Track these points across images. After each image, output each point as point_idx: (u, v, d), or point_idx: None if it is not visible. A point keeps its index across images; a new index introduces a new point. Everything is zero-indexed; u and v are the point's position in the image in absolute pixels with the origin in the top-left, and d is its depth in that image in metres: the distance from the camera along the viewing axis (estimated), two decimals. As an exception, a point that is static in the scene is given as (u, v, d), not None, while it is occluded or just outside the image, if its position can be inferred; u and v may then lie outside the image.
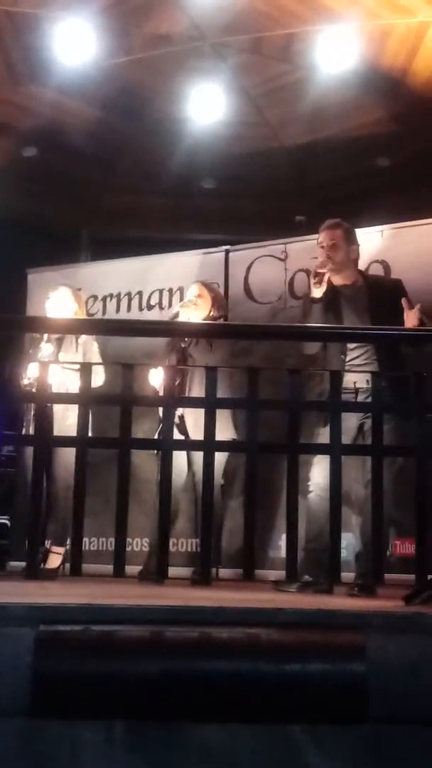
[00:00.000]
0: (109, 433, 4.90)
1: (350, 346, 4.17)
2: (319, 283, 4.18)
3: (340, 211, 4.59)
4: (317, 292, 4.20)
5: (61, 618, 2.31)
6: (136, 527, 4.54)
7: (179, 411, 4.54)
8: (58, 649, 2.24)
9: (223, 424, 4.20)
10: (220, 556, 5.50)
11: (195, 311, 4.85)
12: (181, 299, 5.45)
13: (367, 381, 3.99)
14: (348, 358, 4.18)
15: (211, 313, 4.93)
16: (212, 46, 5.96)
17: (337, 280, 4.31)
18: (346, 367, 4.07)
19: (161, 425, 4.62)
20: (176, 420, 4.62)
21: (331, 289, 4.27)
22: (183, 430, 4.52)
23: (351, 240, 4.36)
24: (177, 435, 4.58)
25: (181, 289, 5.96)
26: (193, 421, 4.39)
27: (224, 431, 4.24)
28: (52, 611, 2.36)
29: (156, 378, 4.71)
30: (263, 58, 6.08)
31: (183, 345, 4.77)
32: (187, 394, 4.58)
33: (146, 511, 4.76)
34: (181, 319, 4.80)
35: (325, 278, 4.19)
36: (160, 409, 4.63)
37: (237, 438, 4.49)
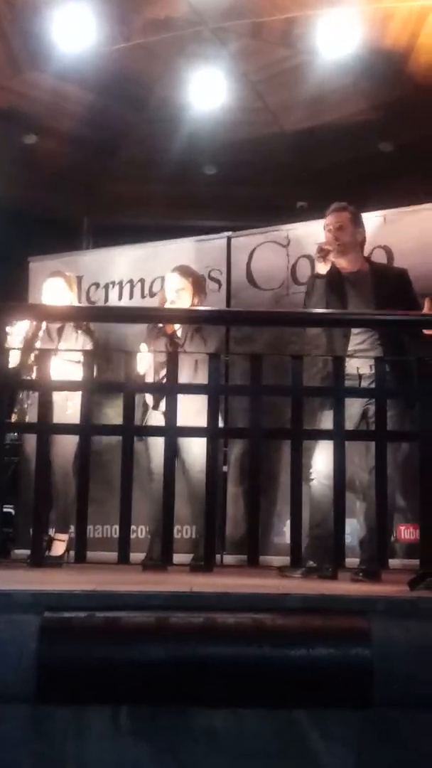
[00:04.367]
0: (100, 421, 4.91)
1: (354, 331, 4.17)
2: (323, 258, 4.19)
3: (341, 196, 4.56)
4: (321, 269, 4.21)
5: (66, 605, 2.32)
6: (140, 514, 4.54)
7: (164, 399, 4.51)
8: (63, 636, 2.25)
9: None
10: (224, 542, 5.50)
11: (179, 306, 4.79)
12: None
13: (371, 367, 3.99)
14: (351, 344, 4.17)
15: (194, 302, 4.85)
16: (212, 31, 5.91)
17: (343, 266, 4.31)
18: (349, 353, 4.07)
19: (148, 412, 4.63)
20: (161, 409, 4.62)
21: (337, 273, 4.26)
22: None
23: (357, 223, 4.37)
24: (161, 422, 4.56)
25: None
26: (180, 408, 4.26)
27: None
28: (57, 598, 2.36)
29: (143, 364, 4.64)
30: (263, 43, 6.04)
31: (176, 340, 4.73)
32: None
33: (146, 497, 4.76)
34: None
35: (331, 255, 4.20)
36: (147, 397, 4.62)
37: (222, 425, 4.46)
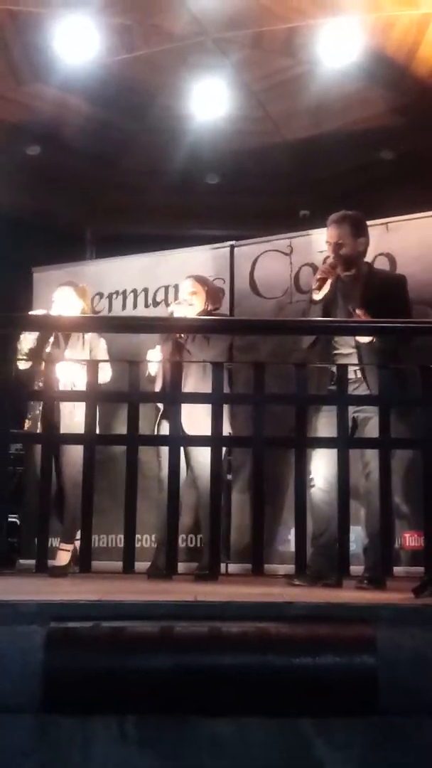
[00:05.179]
0: (115, 430, 4.94)
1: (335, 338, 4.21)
2: (319, 289, 4.20)
3: (344, 204, 4.57)
4: (317, 295, 4.22)
5: (71, 615, 2.32)
6: (144, 523, 4.54)
7: None
8: (68, 646, 2.25)
9: None
10: (228, 551, 5.50)
11: (190, 309, 4.86)
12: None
13: (355, 372, 4.01)
14: (333, 351, 4.21)
15: (207, 307, 4.93)
16: (214, 41, 5.94)
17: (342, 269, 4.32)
18: (332, 360, 4.10)
19: (160, 417, 4.65)
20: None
21: (335, 278, 4.27)
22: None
23: (359, 233, 4.34)
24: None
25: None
26: (188, 416, 4.30)
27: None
28: (63, 608, 2.37)
29: (154, 366, 4.69)
30: (265, 53, 6.06)
31: (180, 340, 4.78)
32: (182, 389, 4.55)
33: (153, 507, 4.76)
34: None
35: (328, 283, 4.21)
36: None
37: (232, 433, 4.49)
